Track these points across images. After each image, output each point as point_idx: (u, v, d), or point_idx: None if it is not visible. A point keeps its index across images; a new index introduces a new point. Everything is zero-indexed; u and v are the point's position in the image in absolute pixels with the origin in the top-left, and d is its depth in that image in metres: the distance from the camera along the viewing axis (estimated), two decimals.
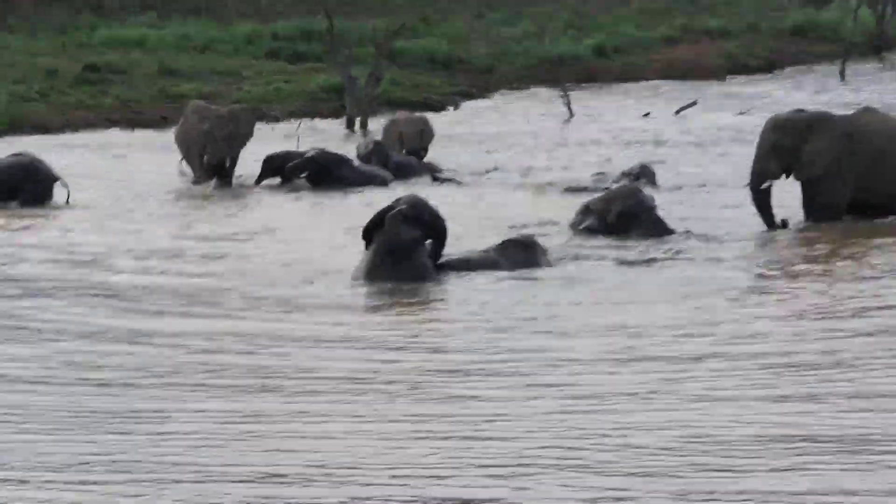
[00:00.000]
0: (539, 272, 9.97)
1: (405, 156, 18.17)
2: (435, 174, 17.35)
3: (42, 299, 8.51)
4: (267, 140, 19.17)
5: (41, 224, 12.78)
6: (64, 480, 4.81)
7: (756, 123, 14.25)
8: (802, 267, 10.26)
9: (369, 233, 9.68)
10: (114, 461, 5.02)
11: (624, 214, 11.82)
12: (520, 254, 10.25)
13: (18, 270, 9.72)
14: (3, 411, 5.75)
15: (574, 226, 12.16)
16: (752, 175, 12.32)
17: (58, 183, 14.44)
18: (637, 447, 5.14)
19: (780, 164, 12.17)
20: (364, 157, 17.30)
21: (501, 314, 8.34)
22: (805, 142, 12.12)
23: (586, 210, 12.24)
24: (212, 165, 16.72)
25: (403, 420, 5.69)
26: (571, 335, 7.58)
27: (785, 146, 12.14)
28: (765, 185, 12.23)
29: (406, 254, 9.50)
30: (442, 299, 9.15)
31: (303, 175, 16.16)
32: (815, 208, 12.14)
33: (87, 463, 5.02)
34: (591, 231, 11.91)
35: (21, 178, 14.12)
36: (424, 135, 19.44)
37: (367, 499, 4.59)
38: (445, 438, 5.35)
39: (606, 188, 13.93)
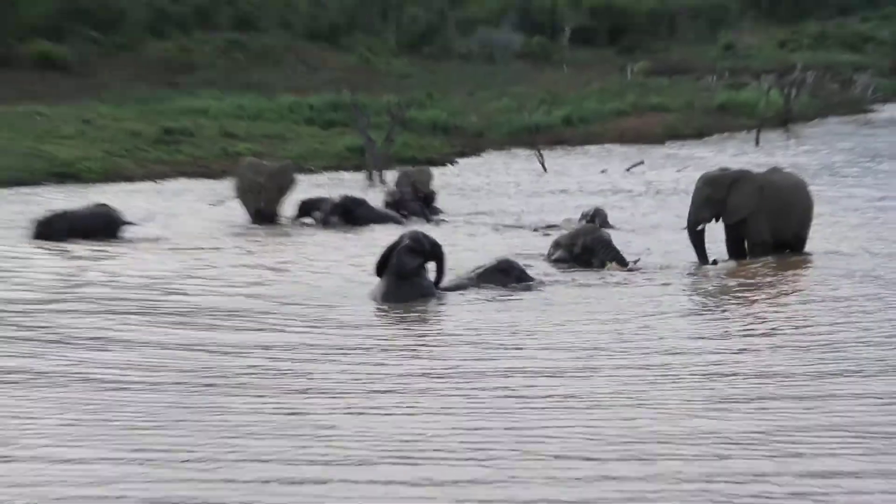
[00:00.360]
0: (517, 293, 9.91)
1: (412, 202, 18.32)
2: (431, 217, 17.57)
3: (120, 316, 8.45)
4: (304, 189, 19.16)
5: (117, 254, 12.68)
6: (137, 458, 4.76)
7: (691, 179, 14.25)
8: (729, 293, 10.21)
9: (382, 264, 9.64)
10: (179, 444, 4.98)
11: (587, 248, 11.83)
12: (502, 278, 10.20)
13: (100, 292, 9.65)
14: (93, 407, 5.70)
15: (547, 257, 12.16)
16: (689, 219, 12.36)
17: (129, 225, 14.31)
18: (594, 437, 5.11)
19: (711, 211, 12.23)
20: (393, 205, 17.66)
21: (487, 328, 8.27)
22: (730, 193, 12.16)
23: (556, 244, 12.27)
24: (265, 211, 16.73)
25: (407, 412, 5.63)
26: (542, 346, 7.51)
27: (715, 197, 12.19)
28: (699, 228, 12.26)
29: (411, 278, 9.46)
30: (439, 316, 9.09)
31: (333, 216, 16.26)
32: (751, 247, 12.24)
33: (155, 445, 4.96)
34: (560, 261, 11.89)
35: (97, 224, 14.03)
36: (432, 181, 19.78)
37: (379, 475, 4.55)
38: (443, 428, 5.29)
39: (572, 227, 13.92)
